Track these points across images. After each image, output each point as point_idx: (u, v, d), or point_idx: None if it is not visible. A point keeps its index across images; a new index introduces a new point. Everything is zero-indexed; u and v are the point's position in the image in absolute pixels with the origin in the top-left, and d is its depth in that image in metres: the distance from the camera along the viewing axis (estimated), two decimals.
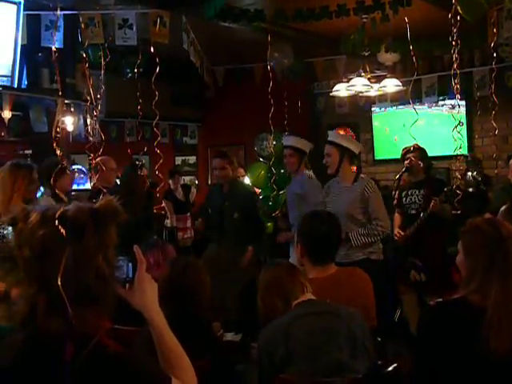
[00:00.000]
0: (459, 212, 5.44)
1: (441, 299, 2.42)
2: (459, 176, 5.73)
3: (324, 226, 3.55)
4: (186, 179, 10.42)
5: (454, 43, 4.60)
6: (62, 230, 1.46)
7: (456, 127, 4.92)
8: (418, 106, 7.26)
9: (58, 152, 4.81)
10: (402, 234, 5.66)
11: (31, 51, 6.02)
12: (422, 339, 2.42)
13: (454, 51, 4.59)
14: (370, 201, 4.89)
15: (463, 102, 5.20)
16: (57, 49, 5.23)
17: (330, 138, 5.22)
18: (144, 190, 5.68)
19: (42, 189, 5.16)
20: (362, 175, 5.20)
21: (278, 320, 2.84)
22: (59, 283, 1.42)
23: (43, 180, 5.46)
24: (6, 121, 6.28)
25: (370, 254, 4.90)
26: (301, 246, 3.52)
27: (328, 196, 5.21)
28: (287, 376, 2.69)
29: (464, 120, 5.32)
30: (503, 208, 3.48)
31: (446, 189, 5.58)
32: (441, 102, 7.93)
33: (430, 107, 8.10)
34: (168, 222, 8.66)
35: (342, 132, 7.13)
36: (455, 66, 4.65)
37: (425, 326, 2.41)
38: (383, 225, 4.86)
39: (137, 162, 5.76)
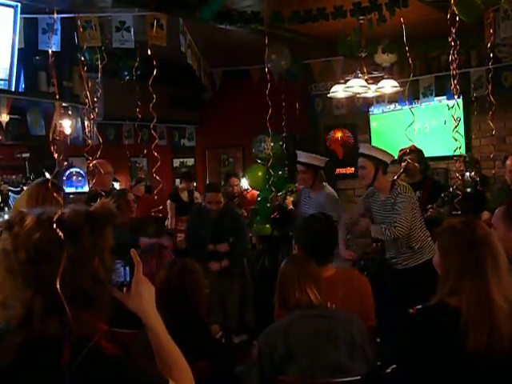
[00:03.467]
0: (459, 213, 5.45)
1: (420, 306, 2.43)
2: (459, 176, 5.74)
3: (318, 225, 3.61)
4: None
5: (452, 44, 4.61)
6: (58, 233, 1.46)
7: (456, 128, 4.93)
8: (416, 106, 7.33)
9: (56, 155, 4.80)
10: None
11: (28, 54, 6.01)
12: (403, 346, 2.41)
13: (454, 52, 4.59)
14: (397, 202, 4.96)
15: (460, 103, 5.19)
16: (54, 52, 5.23)
17: (362, 151, 5.25)
18: (130, 217, 5.67)
19: None
20: (398, 181, 5.21)
21: (279, 322, 2.88)
22: (57, 286, 1.42)
23: None
24: (4, 124, 6.27)
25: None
26: (298, 246, 3.59)
27: (372, 207, 5.26)
28: (286, 378, 2.70)
29: (461, 120, 5.30)
30: (499, 208, 3.48)
31: (442, 194, 5.59)
32: (437, 101, 7.93)
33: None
34: (168, 224, 8.61)
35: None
36: (454, 65, 4.65)
37: (406, 333, 2.41)
38: (400, 227, 4.87)
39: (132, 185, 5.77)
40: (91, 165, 5.32)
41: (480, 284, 2.25)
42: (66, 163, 5.39)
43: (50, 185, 4.09)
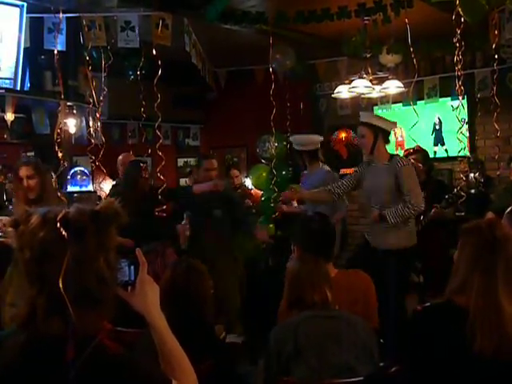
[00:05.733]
0: (463, 214, 5.46)
1: (428, 303, 2.43)
2: (463, 178, 5.73)
3: (315, 225, 3.62)
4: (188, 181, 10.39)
5: (457, 45, 4.60)
6: (63, 232, 1.47)
7: (460, 129, 4.93)
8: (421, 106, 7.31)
9: (60, 154, 4.82)
10: None
11: (34, 54, 6.02)
12: (411, 344, 2.42)
13: (458, 53, 4.59)
14: (402, 176, 4.80)
15: (465, 103, 5.19)
16: (59, 51, 5.25)
17: (362, 119, 5.14)
18: (147, 191, 5.66)
19: None
20: (395, 155, 5.12)
21: (288, 320, 2.88)
22: (60, 285, 1.43)
23: None
24: (9, 123, 6.28)
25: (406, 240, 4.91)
26: (297, 247, 3.59)
27: (364, 179, 5.14)
28: (291, 379, 2.71)
29: (466, 121, 5.30)
30: (508, 210, 3.47)
31: (447, 196, 5.59)
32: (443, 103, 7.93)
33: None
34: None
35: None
36: (459, 66, 4.65)
37: (413, 330, 2.42)
38: (415, 202, 4.73)
39: (140, 164, 5.77)
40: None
41: (488, 284, 2.24)
42: (66, 164, 5.39)
43: None
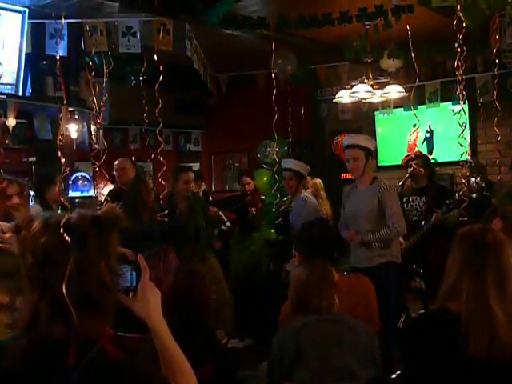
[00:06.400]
0: (466, 219, 5.45)
1: (422, 311, 2.45)
2: (465, 182, 5.73)
3: (316, 230, 3.62)
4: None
5: (458, 50, 4.61)
6: (65, 238, 1.47)
7: (462, 133, 4.93)
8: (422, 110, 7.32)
9: (62, 159, 4.83)
10: (404, 244, 5.47)
11: (35, 59, 6.05)
12: (408, 351, 2.43)
13: (460, 58, 4.60)
14: (385, 201, 4.67)
15: (466, 108, 5.19)
16: (61, 57, 5.26)
17: (351, 142, 4.93)
18: (150, 201, 5.62)
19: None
20: (376, 176, 5.00)
21: (290, 325, 2.89)
22: (63, 290, 1.43)
23: (36, 191, 5.60)
24: (11, 128, 6.31)
25: (391, 256, 4.73)
26: (298, 253, 3.60)
27: (346, 203, 4.98)
28: (293, 383, 2.71)
29: (467, 126, 5.30)
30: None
31: (448, 201, 5.57)
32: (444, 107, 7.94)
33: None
34: None
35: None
36: (460, 71, 4.66)
37: (409, 337, 2.43)
38: (399, 225, 4.65)
39: (144, 179, 5.78)
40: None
41: (478, 288, 2.24)
42: (67, 170, 5.40)
43: None
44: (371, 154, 4.91)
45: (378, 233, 4.67)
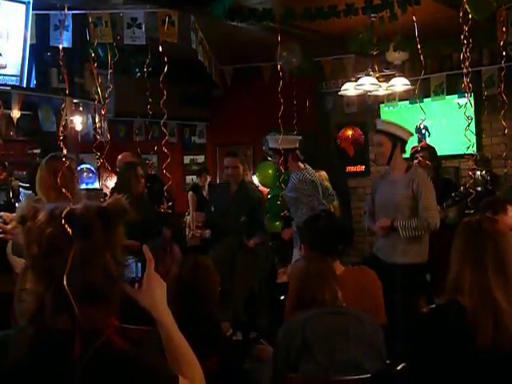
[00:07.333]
0: (472, 212, 5.43)
1: (433, 305, 2.46)
2: (471, 175, 5.71)
3: (321, 223, 3.62)
4: (195, 179, 10.38)
5: (465, 42, 4.58)
6: (70, 229, 1.46)
7: (468, 126, 4.90)
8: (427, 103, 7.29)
9: (65, 151, 4.82)
10: None
11: (40, 51, 6.04)
12: (418, 345, 2.43)
13: (466, 50, 4.57)
14: (420, 192, 4.56)
15: (472, 101, 5.16)
16: (65, 48, 5.25)
17: (380, 127, 4.90)
18: (140, 190, 5.64)
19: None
20: (415, 164, 4.87)
21: (296, 316, 2.89)
22: (65, 281, 1.43)
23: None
24: (15, 120, 6.31)
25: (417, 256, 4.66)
26: (304, 246, 3.60)
27: (376, 192, 4.90)
28: (298, 376, 2.71)
29: (473, 119, 5.27)
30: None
31: (453, 193, 5.56)
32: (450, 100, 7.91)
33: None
34: (189, 218, 8.27)
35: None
36: (466, 64, 4.63)
37: (419, 331, 2.44)
38: (431, 220, 4.56)
39: (134, 166, 5.77)
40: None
41: (480, 279, 2.26)
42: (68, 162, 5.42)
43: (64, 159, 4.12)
44: (401, 141, 4.80)
45: (407, 221, 4.57)
